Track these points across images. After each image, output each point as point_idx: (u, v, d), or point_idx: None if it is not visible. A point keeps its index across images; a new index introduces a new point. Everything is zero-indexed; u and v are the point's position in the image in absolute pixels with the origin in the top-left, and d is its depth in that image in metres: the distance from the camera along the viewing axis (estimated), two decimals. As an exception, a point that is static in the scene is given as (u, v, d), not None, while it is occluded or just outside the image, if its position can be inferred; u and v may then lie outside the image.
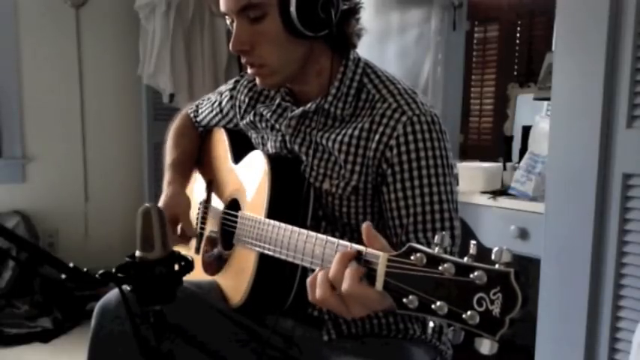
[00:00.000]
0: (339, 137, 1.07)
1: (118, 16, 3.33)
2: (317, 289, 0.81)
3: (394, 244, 1.01)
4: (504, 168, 2.17)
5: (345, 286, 0.76)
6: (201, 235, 1.30)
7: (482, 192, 2.01)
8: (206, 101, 1.39)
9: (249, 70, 1.10)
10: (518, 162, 2.07)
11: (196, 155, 1.39)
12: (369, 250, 0.77)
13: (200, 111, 1.40)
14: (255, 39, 1.04)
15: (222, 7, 1.06)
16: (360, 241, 0.80)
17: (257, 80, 1.11)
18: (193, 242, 1.32)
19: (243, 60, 1.08)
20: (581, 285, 1.53)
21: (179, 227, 1.21)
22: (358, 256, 0.78)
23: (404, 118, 1.02)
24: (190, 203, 1.26)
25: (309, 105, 1.11)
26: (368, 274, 0.76)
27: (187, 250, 1.32)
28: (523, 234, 1.85)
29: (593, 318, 1.52)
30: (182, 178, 1.30)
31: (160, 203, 1.21)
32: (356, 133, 1.05)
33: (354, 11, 1.08)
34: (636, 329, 1.20)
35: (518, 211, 1.87)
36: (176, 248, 1.20)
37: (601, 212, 1.49)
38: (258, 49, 1.04)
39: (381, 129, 1.03)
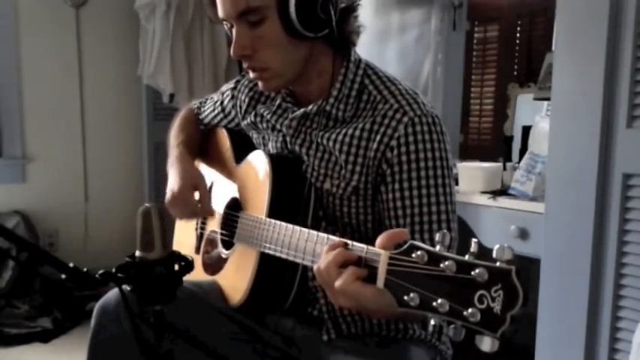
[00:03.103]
0: (340, 137, 1.07)
1: (118, 16, 3.33)
2: (315, 266, 0.82)
3: None
4: (504, 168, 2.17)
5: (338, 283, 0.77)
6: (202, 235, 1.30)
7: (482, 192, 2.01)
8: (209, 100, 1.39)
9: (250, 75, 1.10)
10: (518, 162, 2.07)
11: (198, 148, 1.39)
12: (370, 248, 0.77)
13: (203, 109, 1.40)
14: (255, 43, 1.03)
15: (221, 13, 1.05)
16: (360, 241, 0.81)
17: (259, 84, 1.11)
18: (194, 241, 1.32)
19: (244, 65, 1.08)
20: (581, 285, 1.53)
21: (197, 195, 1.19)
22: (359, 260, 0.78)
23: (405, 119, 1.02)
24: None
25: (310, 107, 1.10)
26: (369, 272, 0.76)
27: (187, 251, 1.32)
28: (523, 234, 1.85)
29: (593, 318, 1.52)
30: (191, 157, 1.30)
31: (175, 177, 1.20)
32: (357, 133, 1.05)
33: (352, 9, 1.08)
34: (636, 329, 1.20)
35: (518, 211, 1.87)
36: (176, 248, 1.20)
37: (601, 212, 1.49)
38: (259, 53, 1.04)
39: (382, 129, 1.03)
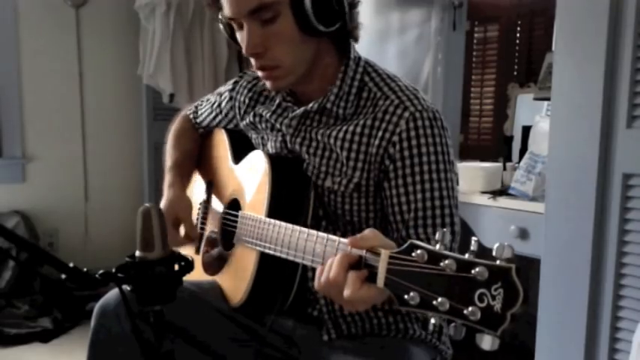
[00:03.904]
0: (341, 134, 1.07)
1: (118, 16, 3.33)
2: (322, 277, 0.82)
3: (395, 239, 1.01)
4: (504, 168, 2.17)
5: (347, 292, 0.77)
6: (202, 235, 1.30)
7: (482, 192, 2.01)
8: (205, 102, 1.38)
9: (260, 74, 1.08)
10: (518, 162, 2.07)
11: (197, 156, 1.39)
12: None
13: (199, 112, 1.39)
14: (268, 41, 1.01)
15: (229, 12, 1.02)
16: None
17: (268, 84, 1.09)
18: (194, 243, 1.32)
19: (255, 64, 1.05)
20: (581, 285, 1.53)
21: (182, 229, 1.21)
22: (359, 260, 0.78)
23: (406, 114, 1.02)
24: (192, 205, 1.26)
25: (310, 105, 1.10)
26: (369, 271, 0.76)
27: (187, 250, 1.32)
28: (523, 234, 1.85)
29: (593, 318, 1.52)
30: (183, 180, 1.30)
31: (162, 206, 1.20)
32: (358, 129, 1.05)
33: (355, 4, 1.07)
34: (636, 329, 1.20)
35: (518, 211, 1.87)
36: (177, 249, 1.20)
37: (601, 212, 1.49)
38: (271, 50, 1.02)
39: (383, 125, 1.03)
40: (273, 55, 1.03)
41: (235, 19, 1.03)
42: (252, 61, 1.05)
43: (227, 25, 1.10)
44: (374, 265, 0.75)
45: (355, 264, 0.79)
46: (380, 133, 1.03)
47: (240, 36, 1.05)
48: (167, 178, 1.29)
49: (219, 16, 1.10)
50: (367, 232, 0.81)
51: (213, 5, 1.07)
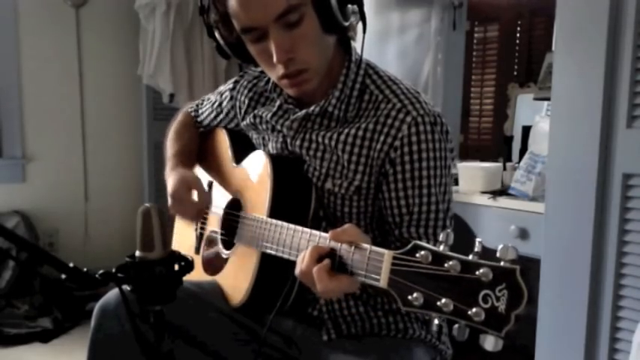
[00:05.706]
0: (343, 137, 1.07)
1: (118, 16, 3.33)
2: (297, 269, 0.88)
3: (389, 235, 1.06)
4: (504, 168, 2.17)
5: (318, 283, 0.83)
6: (202, 235, 1.30)
7: (482, 192, 2.01)
8: (206, 102, 1.38)
9: (284, 82, 1.05)
10: (518, 162, 2.07)
11: (197, 152, 1.38)
12: (374, 248, 0.78)
13: (201, 111, 1.39)
14: (296, 44, 0.99)
15: (251, 21, 0.98)
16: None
17: (293, 90, 1.06)
18: (194, 242, 1.32)
19: (281, 72, 1.02)
20: (581, 285, 1.53)
21: (194, 195, 1.19)
22: (329, 252, 0.84)
23: (408, 119, 1.02)
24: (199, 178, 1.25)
25: (312, 108, 1.10)
26: (372, 270, 0.77)
27: (187, 251, 1.32)
28: (523, 234, 1.85)
29: (593, 318, 1.52)
30: (186, 165, 1.28)
31: (171, 183, 1.20)
32: (360, 133, 1.05)
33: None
34: (636, 329, 1.20)
35: (518, 211, 1.87)
36: (175, 248, 1.20)
37: (601, 212, 1.49)
38: (299, 53, 1.00)
39: (385, 129, 1.03)
40: (302, 59, 1.00)
41: (258, 28, 0.98)
42: (278, 69, 1.02)
43: (233, 43, 1.07)
44: (378, 266, 0.76)
45: (325, 256, 0.83)
46: (382, 138, 1.03)
47: (258, 48, 1.02)
48: (169, 165, 1.28)
49: (219, 36, 1.08)
50: (347, 226, 0.86)
51: (219, 22, 1.04)
